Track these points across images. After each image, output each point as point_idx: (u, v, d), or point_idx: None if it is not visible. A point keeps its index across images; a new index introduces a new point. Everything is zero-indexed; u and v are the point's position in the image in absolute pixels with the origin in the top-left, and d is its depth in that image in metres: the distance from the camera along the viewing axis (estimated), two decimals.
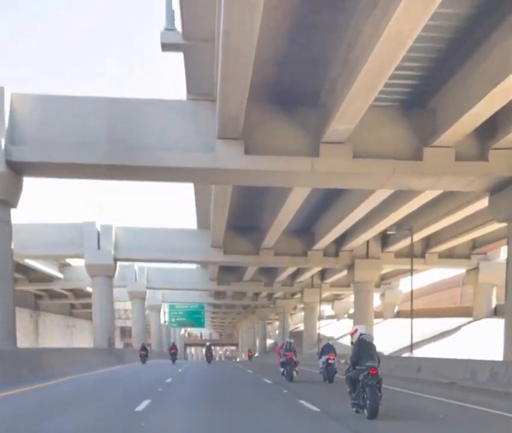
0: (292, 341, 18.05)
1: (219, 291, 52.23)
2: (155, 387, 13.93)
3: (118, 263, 35.01)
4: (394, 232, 25.94)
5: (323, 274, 43.43)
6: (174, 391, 13.04)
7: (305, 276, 41.61)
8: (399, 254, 32.38)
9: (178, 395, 12.19)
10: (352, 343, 9.36)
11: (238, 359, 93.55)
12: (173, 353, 34.16)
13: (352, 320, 38.98)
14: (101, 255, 33.76)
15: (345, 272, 35.79)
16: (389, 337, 38.57)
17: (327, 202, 25.30)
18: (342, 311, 66.30)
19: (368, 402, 8.80)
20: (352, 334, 9.41)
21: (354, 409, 9.29)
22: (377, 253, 32.06)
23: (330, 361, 17.03)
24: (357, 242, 29.71)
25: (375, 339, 9.34)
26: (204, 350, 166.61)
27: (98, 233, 34.18)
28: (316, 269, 38.77)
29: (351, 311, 61.28)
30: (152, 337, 63.73)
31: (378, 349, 9.35)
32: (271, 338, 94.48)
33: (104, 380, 17.10)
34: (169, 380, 17.02)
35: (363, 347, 9.03)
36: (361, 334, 9.22)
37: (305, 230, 30.30)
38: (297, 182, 17.06)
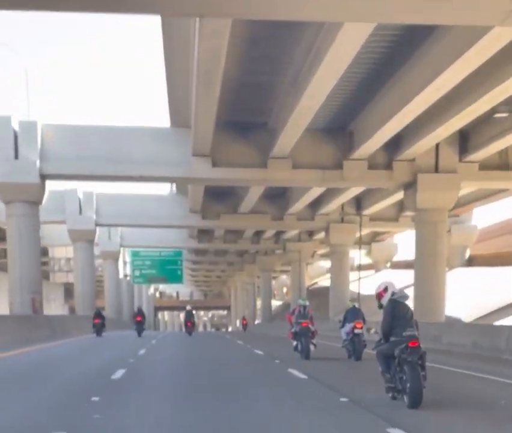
0: (307, 303, 18.25)
1: (203, 229, 52.18)
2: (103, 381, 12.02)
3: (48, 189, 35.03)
4: (506, 113, 23.45)
5: (358, 203, 42.73)
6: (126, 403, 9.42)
7: (331, 206, 40.82)
8: (485, 166, 29.65)
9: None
10: (381, 306, 9.27)
11: (230, 329, 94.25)
12: (138, 321, 34.10)
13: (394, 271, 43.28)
14: (83, 221, 47.37)
15: (391, 199, 37.48)
16: (459, 295, 38.15)
17: (371, 89, 24.44)
18: (382, 259, 67.25)
19: (408, 385, 8.74)
20: (380, 296, 9.27)
21: (390, 394, 9.28)
22: (452, 164, 29.28)
23: (356, 331, 17.00)
24: (421, 146, 26.99)
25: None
26: (182, 316, 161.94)
27: (80, 200, 47.65)
28: (350, 194, 37.50)
29: (395, 258, 67.15)
30: (106, 299, 60.88)
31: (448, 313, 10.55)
32: (276, 298, 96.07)
33: None
34: (118, 375, 13.10)
35: (398, 311, 9.00)
36: (393, 294, 9.17)
37: (339, 128, 28.70)
38: (252, 184, 31.46)
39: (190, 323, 36.86)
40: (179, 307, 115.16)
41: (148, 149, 30.03)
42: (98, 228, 49.79)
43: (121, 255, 65.23)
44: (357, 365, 16.45)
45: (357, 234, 44.14)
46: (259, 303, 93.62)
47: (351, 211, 43.92)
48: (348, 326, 17.71)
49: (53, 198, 45.56)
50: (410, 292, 13.27)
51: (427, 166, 29.65)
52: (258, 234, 57.51)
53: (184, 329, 40.53)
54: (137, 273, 64.74)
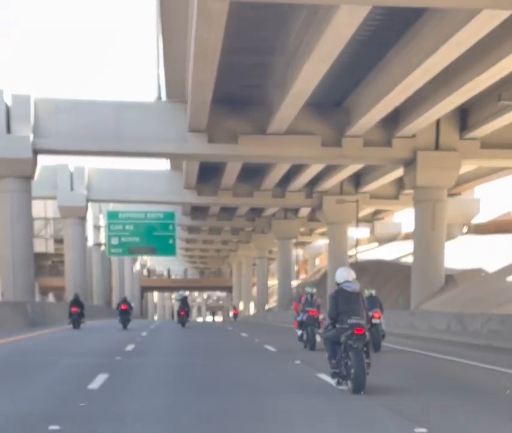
0: (314, 291, 18.37)
1: (198, 206, 54.16)
2: None
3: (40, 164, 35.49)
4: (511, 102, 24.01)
5: (357, 181, 44.53)
6: None
7: (331, 182, 42.74)
8: (487, 144, 30.69)
9: None
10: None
11: (231, 314, 79.86)
12: (123, 310, 29.83)
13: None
14: (74, 197, 48.39)
15: (390, 176, 38.90)
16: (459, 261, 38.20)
17: (366, 66, 26.17)
18: (384, 237, 68.15)
19: (352, 370, 9.28)
20: (337, 284, 9.87)
21: (336, 380, 9.83)
22: (453, 141, 30.49)
23: (374, 321, 16.86)
24: (420, 123, 28.26)
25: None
26: (174, 297, 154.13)
27: (71, 175, 48.53)
28: (349, 171, 39.13)
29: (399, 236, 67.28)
30: (66, 276, 50.59)
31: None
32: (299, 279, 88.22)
33: None
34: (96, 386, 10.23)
35: (345, 298, 9.55)
36: (339, 284, 9.81)
37: (336, 104, 30.41)
38: (249, 160, 32.27)
39: (184, 312, 33.03)
40: (171, 288, 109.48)
41: (144, 124, 30.89)
42: (58, 175, 48.31)
43: (89, 215, 57.27)
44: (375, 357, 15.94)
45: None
46: (274, 283, 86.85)
47: (350, 188, 45.55)
48: None
49: (45, 173, 46.63)
50: None
51: (427, 144, 30.71)
52: (255, 211, 58.89)
53: (176, 318, 37.46)
54: (114, 241, 51.55)
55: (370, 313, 16.31)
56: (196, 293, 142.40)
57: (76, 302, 29.50)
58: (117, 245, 51.94)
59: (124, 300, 30.53)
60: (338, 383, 9.87)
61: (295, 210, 58.35)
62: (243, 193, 46.61)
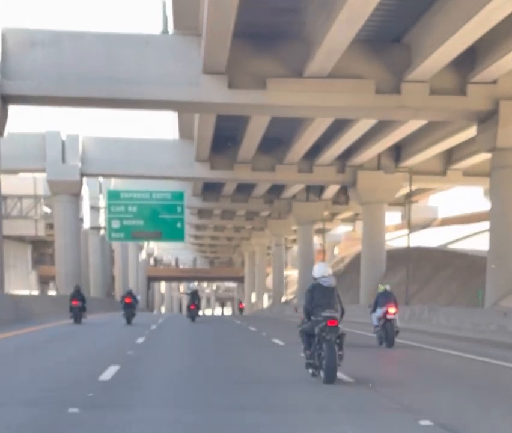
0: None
1: (211, 184, 48.98)
2: None
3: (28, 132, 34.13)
4: None
5: (397, 153, 39.27)
6: None
7: (367, 154, 37.42)
8: None
9: None
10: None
11: (242, 305, 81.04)
12: (128, 304, 28.41)
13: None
14: (66, 170, 41.50)
15: (437, 148, 34.24)
16: None
17: None
18: (418, 223, 63.66)
19: (324, 361, 9.80)
20: (314, 278, 10.56)
21: (310, 370, 10.37)
22: None
23: (388, 316, 17.17)
24: (504, 64, 22.42)
25: None
26: (182, 288, 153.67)
27: (63, 144, 41.54)
28: (390, 139, 33.78)
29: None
30: (57, 263, 44.14)
31: None
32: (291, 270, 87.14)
33: None
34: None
35: (320, 293, 10.17)
36: (316, 278, 10.39)
37: (393, 41, 24.12)
38: (279, 112, 25.52)
39: (194, 306, 32.14)
40: (179, 278, 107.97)
41: (144, 64, 24.24)
42: (47, 143, 41.68)
43: (85, 192, 52.31)
44: (388, 354, 15.97)
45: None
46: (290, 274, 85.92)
47: (389, 162, 39.76)
48: (380, 311, 17.62)
49: (33, 141, 41.79)
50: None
51: None
52: (274, 192, 52.97)
53: (185, 313, 35.29)
54: (115, 224, 47.06)
55: (384, 308, 17.35)
56: (205, 284, 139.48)
57: (77, 295, 28.35)
58: (118, 228, 47.35)
59: (129, 293, 29.31)
60: (313, 374, 10.36)
61: (319, 192, 52.48)
62: (263, 167, 40.68)
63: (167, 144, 42.00)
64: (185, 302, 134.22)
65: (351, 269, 54.79)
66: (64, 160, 41.81)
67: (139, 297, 32.99)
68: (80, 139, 42.16)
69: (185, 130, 39.35)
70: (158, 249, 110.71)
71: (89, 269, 55.74)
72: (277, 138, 37.79)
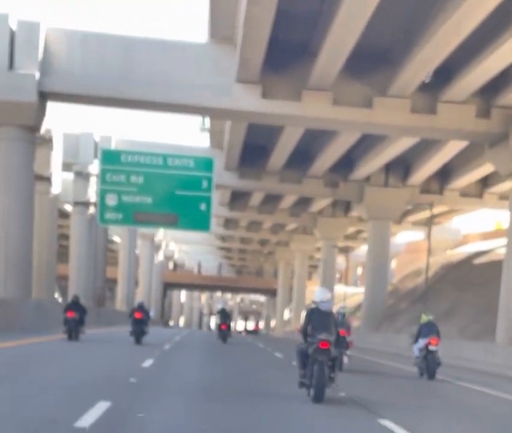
0: (345, 312, 19.49)
1: (238, 193, 49.81)
2: None
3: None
4: None
5: (443, 178, 41.79)
6: None
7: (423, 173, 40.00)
8: None
9: None
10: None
11: (257, 327, 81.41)
12: (138, 320, 24.64)
13: None
14: (14, 80, 26.13)
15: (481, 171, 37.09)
16: None
17: None
18: (440, 245, 64.05)
19: (313, 381, 10.80)
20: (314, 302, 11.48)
21: (304, 389, 11.28)
22: None
23: (431, 348, 17.57)
24: None
25: None
26: (204, 300, 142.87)
27: (12, 36, 26.48)
28: (436, 162, 37.94)
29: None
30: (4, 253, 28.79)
31: None
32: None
33: None
34: None
35: (316, 317, 11.13)
36: (315, 302, 11.33)
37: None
38: (310, 124, 26.78)
39: (225, 326, 31.52)
40: (201, 286, 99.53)
41: (178, 68, 25.86)
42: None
43: (57, 135, 36.25)
44: (429, 386, 16.34)
45: None
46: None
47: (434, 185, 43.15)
48: (422, 342, 17.89)
49: None
50: None
51: None
52: (301, 204, 53.75)
53: (216, 332, 34.68)
54: (111, 200, 34.39)
55: (427, 340, 17.64)
56: (229, 295, 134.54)
57: (74, 305, 24.24)
58: (115, 207, 34.13)
59: (140, 307, 25.25)
60: (308, 394, 11.07)
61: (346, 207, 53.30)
62: (290, 178, 43.07)
63: (196, 152, 39.95)
64: (206, 313, 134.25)
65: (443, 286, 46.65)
66: (11, 64, 26.43)
67: (152, 313, 29.65)
68: (43, 31, 26.30)
69: (215, 139, 40.66)
70: (179, 252, 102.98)
71: (74, 262, 45.75)
72: (304, 151, 39.26)
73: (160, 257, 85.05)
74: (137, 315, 24.48)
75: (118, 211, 34.07)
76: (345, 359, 17.88)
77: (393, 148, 33.74)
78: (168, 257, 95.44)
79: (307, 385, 11.07)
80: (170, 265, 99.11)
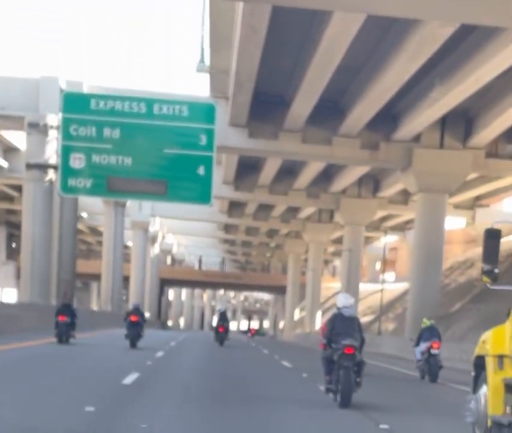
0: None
1: (235, 203, 71.69)
2: None
3: None
4: None
5: None
6: None
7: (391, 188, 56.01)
8: None
9: None
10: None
11: (253, 331, 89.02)
12: (133, 322, 30.30)
13: None
14: None
15: None
16: None
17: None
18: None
19: (339, 386, 14.28)
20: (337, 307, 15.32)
21: (331, 395, 14.86)
22: None
23: (432, 351, 22.32)
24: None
25: None
26: (205, 298, 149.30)
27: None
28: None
29: None
30: None
31: None
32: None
33: None
34: None
35: (340, 322, 14.78)
36: (339, 308, 15.10)
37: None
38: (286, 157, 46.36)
39: (222, 329, 39.72)
40: (202, 283, 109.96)
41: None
42: None
43: None
44: (431, 388, 21.53)
45: None
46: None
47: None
48: (424, 346, 23.35)
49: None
50: None
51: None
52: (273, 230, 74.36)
53: (213, 334, 42.09)
54: (76, 161, 34.85)
55: (428, 343, 23.01)
56: (231, 293, 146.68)
57: (65, 308, 30.78)
58: (82, 170, 34.37)
59: (136, 310, 31.61)
60: (335, 399, 14.82)
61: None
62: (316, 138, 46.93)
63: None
64: (207, 313, 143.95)
65: None
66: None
67: (147, 315, 35.13)
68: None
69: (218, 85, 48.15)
70: (178, 245, 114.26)
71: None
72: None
73: (156, 250, 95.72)
74: (133, 318, 30.36)
75: (86, 176, 33.74)
76: None
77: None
78: (166, 252, 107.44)
79: (334, 391, 14.63)
80: (169, 260, 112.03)
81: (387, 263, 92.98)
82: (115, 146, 33.50)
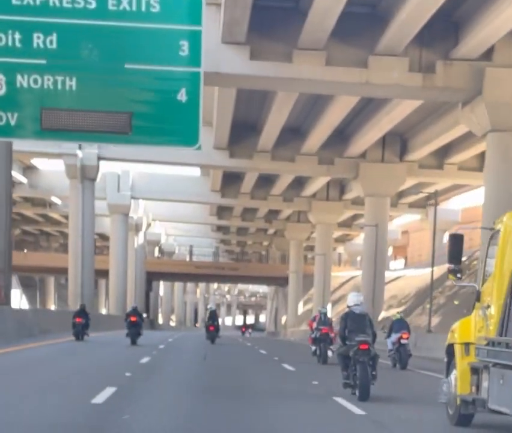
0: (326, 310, 28.77)
1: (223, 207, 76.11)
2: None
3: None
4: None
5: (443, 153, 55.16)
6: None
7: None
8: None
9: None
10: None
11: (245, 329, 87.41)
12: (133, 323, 35.76)
13: None
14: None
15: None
16: None
17: None
18: (443, 224, 70.59)
19: (357, 381, 15.21)
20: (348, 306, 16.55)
21: (349, 389, 15.78)
22: None
23: (402, 341, 25.79)
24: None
25: None
26: (199, 292, 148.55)
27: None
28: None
29: None
30: None
31: None
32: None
33: None
34: None
35: (353, 320, 15.77)
36: (349, 306, 16.15)
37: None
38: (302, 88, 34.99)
39: (213, 327, 42.20)
40: (193, 276, 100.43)
41: None
42: None
43: None
44: (402, 375, 24.41)
45: None
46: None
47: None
48: (394, 337, 26.27)
49: None
50: None
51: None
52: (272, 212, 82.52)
53: (204, 331, 44.72)
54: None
55: (399, 334, 25.96)
56: (226, 287, 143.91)
57: (82, 312, 38.08)
58: (3, 99, 21.63)
59: (135, 311, 37.03)
60: (353, 393, 15.63)
61: None
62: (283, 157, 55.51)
63: (192, 179, 76.99)
64: (201, 308, 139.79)
65: None
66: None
67: (144, 315, 40.89)
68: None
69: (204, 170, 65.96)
70: (167, 235, 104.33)
71: None
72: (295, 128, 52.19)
73: (140, 239, 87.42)
74: (133, 319, 35.99)
75: (8, 108, 22.01)
76: (330, 354, 26.19)
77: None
78: (153, 243, 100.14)
79: (352, 385, 15.70)
80: (157, 252, 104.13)
81: (398, 249, 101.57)
82: (51, 61, 21.69)
